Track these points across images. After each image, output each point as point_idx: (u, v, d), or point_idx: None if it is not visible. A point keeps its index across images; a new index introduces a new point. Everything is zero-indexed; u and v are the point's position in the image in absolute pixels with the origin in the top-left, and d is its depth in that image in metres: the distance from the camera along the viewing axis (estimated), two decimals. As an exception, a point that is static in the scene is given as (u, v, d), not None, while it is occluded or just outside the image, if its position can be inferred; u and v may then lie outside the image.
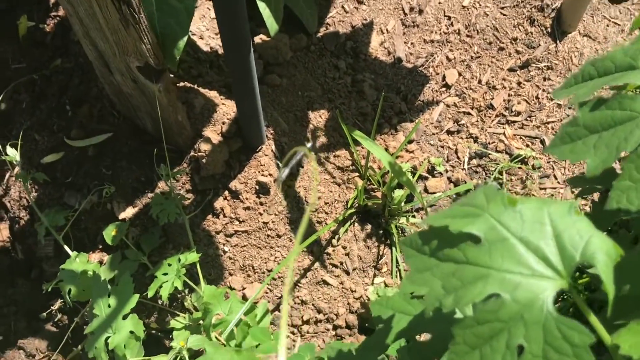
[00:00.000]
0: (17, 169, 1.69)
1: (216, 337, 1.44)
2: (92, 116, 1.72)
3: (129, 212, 1.66)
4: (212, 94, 1.70)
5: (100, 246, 1.69)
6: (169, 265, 1.50)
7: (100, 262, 1.66)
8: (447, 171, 1.94)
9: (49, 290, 1.54)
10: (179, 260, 1.50)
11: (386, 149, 1.93)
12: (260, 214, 1.68)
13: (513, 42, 2.04)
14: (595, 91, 0.73)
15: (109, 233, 1.59)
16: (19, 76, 1.80)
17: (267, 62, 1.87)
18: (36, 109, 1.76)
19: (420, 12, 2.10)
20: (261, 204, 1.68)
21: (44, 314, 1.70)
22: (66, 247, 1.58)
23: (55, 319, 1.73)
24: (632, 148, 0.65)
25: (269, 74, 1.85)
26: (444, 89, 2.03)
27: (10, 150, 1.51)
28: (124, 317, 1.39)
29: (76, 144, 1.71)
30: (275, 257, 1.70)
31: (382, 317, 0.96)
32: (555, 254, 0.62)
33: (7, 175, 1.77)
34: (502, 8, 2.07)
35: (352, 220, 1.81)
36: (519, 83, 2.01)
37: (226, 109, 1.68)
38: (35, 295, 1.74)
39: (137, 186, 1.68)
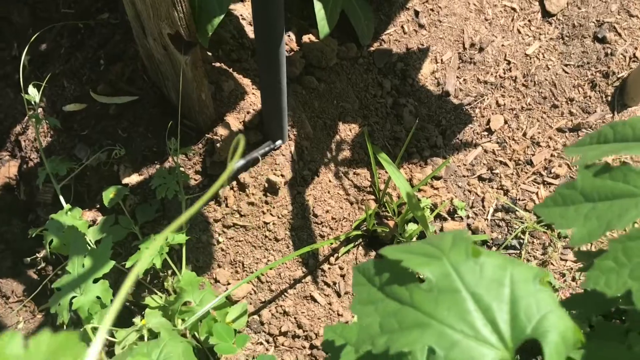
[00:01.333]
0: (39, 110, 1.69)
1: (181, 325, 1.40)
2: (122, 75, 1.72)
3: (132, 179, 1.65)
4: (245, 81, 1.68)
5: (98, 206, 1.67)
6: (155, 240, 1.47)
7: (93, 222, 1.65)
8: (468, 217, 1.87)
9: (33, 236, 1.53)
10: (166, 238, 1.47)
11: (410, 180, 1.87)
12: (263, 213, 1.64)
13: (569, 102, 1.95)
14: (606, 156, 0.66)
15: (108, 194, 1.58)
16: (66, 21, 1.81)
17: (310, 63, 1.84)
18: (72, 56, 1.77)
19: (481, 49, 2.03)
20: (266, 202, 1.64)
21: (29, 259, 1.70)
22: (62, 198, 1.57)
23: (39, 267, 1.72)
24: (623, 227, 0.58)
25: (307, 75, 1.82)
26: (486, 133, 1.96)
27: (31, 90, 1.51)
28: (95, 281, 1.36)
29: (101, 99, 1.70)
30: (268, 260, 1.66)
31: (334, 344, 0.90)
32: (506, 321, 0.56)
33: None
34: (566, 65, 1.99)
35: (356, 243, 1.76)
36: (564, 145, 1.92)
37: (254, 100, 1.65)
38: (25, 239, 1.74)
39: (147, 155, 1.66)
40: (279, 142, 1.57)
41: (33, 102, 1.53)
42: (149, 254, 0.45)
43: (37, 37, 1.77)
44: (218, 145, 1.58)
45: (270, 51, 1.29)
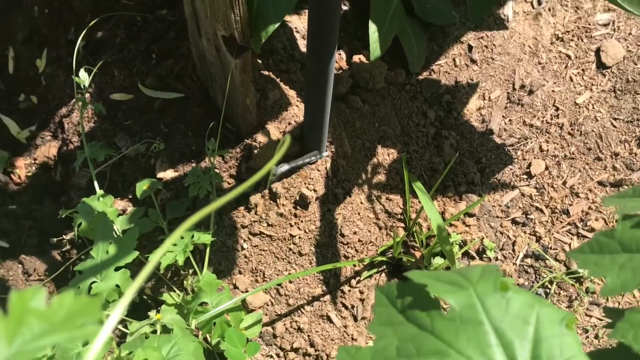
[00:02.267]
0: (86, 95, 1.73)
1: (195, 326, 1.40)
2: (172, 72, 1.75)
3: (167, 174, 1.67)
4: (290, 93, 1.70)
5: (130, 196, 1.70)
6: (182, 237, 1.49)
7: (123, 211, 1.67)
8: (496, 259, 1.85)
9: (63, 217, 1.55)
10: (192, 236, 1.49)
11: (442, 213, 1.86)
12: (291, 225, 1.65)
13: (613, 156, 1.92)
14: (648, 210, 0.65)
15: (141, 186, 1.60)
16: (125, 12, 1.86)
17: (357, 83, 1.85)
18: (126, 47, 1.81)
19: (530, 92, 2.02)
20: (295, 215, 1.64)
21: (55, 239, 1.72)
22: (96, 183, 1.60)
23: (64, 249, 1.75)
24: (660, 281, 0.57)
25: (353, 95, 1.83)
26: (525, 176, 1.94)
27: (82, 74, 1.55)
28: (117, 269, 1.38)
29: (147, 92, 1.74)
30: (289, 273, 1.66)
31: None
32: (526, 360, 0.55)
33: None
34: (615, 119, 1.96)
35: (380, 269, 1.75)
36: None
37: (297, 112, 1.67)
38: (55, 220, 1.77)
39: (185, 152, 1.68)
40: (325, 153, 1.58)
41: (82, 86, 1.57)
42: (169, 242, 0.46)
43: (94, 24, 1.82)
44: (256, 151, 1.59)
45: (320, 66, 1.30)
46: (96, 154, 1.62)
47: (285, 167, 1.50)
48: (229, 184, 1.64)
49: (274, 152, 1.58)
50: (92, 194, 1.61)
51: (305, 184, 1.65)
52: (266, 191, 1.64)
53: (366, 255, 1.73)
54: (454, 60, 2.05)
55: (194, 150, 1.69)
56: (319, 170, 1.66)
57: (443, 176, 1.76)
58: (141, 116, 1.73)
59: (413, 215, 1.81)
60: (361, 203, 1.75)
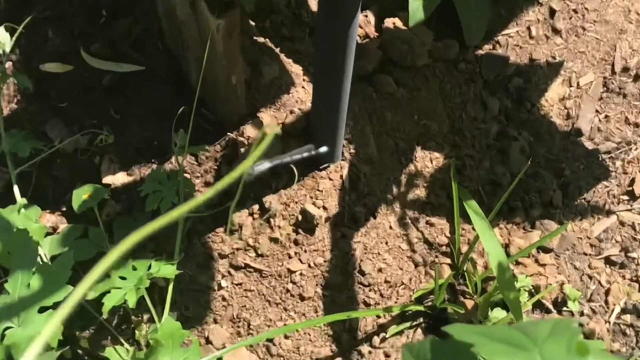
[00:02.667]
0: (7, 64, 1.74)
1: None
2: (129, 35, 1.76)
3: (117, 178, 1.68)
4: (295, 68, 1.71)
5: (64, 208, 1.72)
6: (134, 269, 1.50)
7: (54, 229, 1.68)
8: (582, 313, 1.84)
9: (-31, 233, 1.56)
10: (149, 267, 1.49)
11: (506, 246, 1.86)
12: (289, 256, 1.65)
13: None
14: None
15: (80, 195, 1.61)
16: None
17: (389, 58, 1.86)
18: (66, -2, 1.83)
19: (637, 78, 2.01)
20: (296, 242, 1.65)
21: (-44, 266, 1.73)
22: (16, 188, 1.61)
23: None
24: None
25: (383, 74, 1.84)
26: (626, 197, 1.94)
27: (1, 34, 1.56)
28: (41, 310, 1.38)
29: (93, 62, 1.75)
30: (285, 324, 1.66)
31: None
32: None
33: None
34: None
35: (414, 323, 1.75)
36: None
37: (304, 96, 1.68)
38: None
39: (143, 149, 1.70)
40: (323, 149, 1.58)
41: (1, 51, 1.58)
42: (99, 271, 0.46)
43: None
44: (242, 150, 1.60)
45: (337, 32, 1.30)
46: (18, 147, 1.62)
47: (265, 165, 1.49)
48: (201, 193, 1.64)
49: (269, 153, 1.59)
50: (10, 204, 1.62)
51: (311, 198, 1.65)
52: (255, 207, 1.65)
53: (395, 302, 1.73)
54: (528, 29, 2.05)
55: (156, 146, 1.70)
56: (331, 180, 1.66)
57: (508, 193, 1.76)
58: (83, 96, 1.74)
59: (464, 248, 1.81)
60: (390, 228, 1.75)
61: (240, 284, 1.66)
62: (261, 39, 1.72)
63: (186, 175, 1.66)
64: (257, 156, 0.51)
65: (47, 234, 1.60)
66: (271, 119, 1.63)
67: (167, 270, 1.50)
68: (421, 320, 1.76)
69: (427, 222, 1.82)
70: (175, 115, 1.63)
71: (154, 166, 1.69)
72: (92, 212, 1.61)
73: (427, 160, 1.85)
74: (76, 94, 1.76)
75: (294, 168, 1.56)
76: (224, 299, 1.66)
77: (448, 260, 1.82)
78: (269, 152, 1.61)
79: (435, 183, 1.85)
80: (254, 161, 0.52)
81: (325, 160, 1.66)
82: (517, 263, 1.86)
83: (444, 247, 1.82)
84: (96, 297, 1.45)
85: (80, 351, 1.65)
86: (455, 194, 1.73)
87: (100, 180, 1.68)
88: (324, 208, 1.65)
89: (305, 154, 1.59)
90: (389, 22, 1.89)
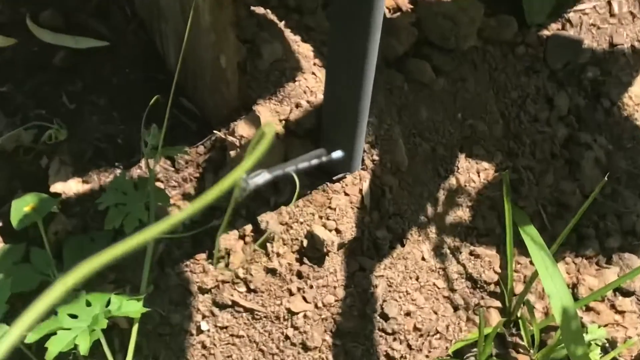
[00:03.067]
0: None
1: None
2: (89, 1, 1.79)
3: (70, 187, 1.70)
4: (303, 49, 1.72)
5: (0, 222, 1.73)
6: (88, 304, 1.51)
7: (-15, 250, 1.70)
8: (671, 378, 1.86)
9: None
10: (108, 303, 1.51)
11: (573, 286, 1.85)
12: (291, 293, 1.66)
13: None
14: None
15: (21, 206, 1.60)
16: None
17: (427, 37, 1.88)
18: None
19: None
20: (299, 275, 1.67)
21: None
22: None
23: None
24: None
25: (418, 58, 1.85)
26: None
27: None
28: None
29: (42, 35, 1.77)
30: (283, 382, 1.68)
31: None
32: None
33: None
34: None
35: (452, 384, 1.76)
36: None
37: (314, 85, 1.69)
38: None
39: (104, 148, 1.72)
40: (338, 154, 1.59)
41: None
42: (48, 300, 0.49)
43: None
44: (233, 153, 1.61)
45: (358, 3, 1.32)
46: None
47: (264, 177, 1.47)
48: (181, 210, 1.68)
49: (267, 158, 1.61)
50: None
51: (321, 217, 1.67)
52: (248, 227, 1.67)
53: (427, 356, 1.73)
54: (609, 4, 2.06)
55: (121, 146, 1.72)
56: (347, 195, 1.68)
57: (577, 217, 1.76)
58: (29, 79, 1.77)
59: (518, 288, 1.82)
60: (423, 259, 1.77)
61: (226, 328, 1.66)
62: (261, 10, 1.73)
63: (159, 184, 1.68)
64: (252, 162, 0.54)
65: (-24, 257, 1.63)
66: (271, 114, 1.64)
67: (131, 307, 1.50)
68: (461, 381, 1.77)
69: (470, 253, 1.83)
70: (147, 106, 1.65)
71: (118, 172, 1.70)
72: (36, 229, 1.61)
73: (472, 172, 1.87)
74: (20, 75, 1.77)
75: (296, 178, 1.56)
76: (204, 346, 1.67)
77: (497, 304, 1.82)
78: (267, 158, 1.64)
79: (483, 202, 1.86)
80: (247, 169, 0.55)
81: (340, 169, 1.67)
82: (588, 309, 1.86)
83: (492, 286, 1.83)
84: (38, 340, 1.44)
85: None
86: (508, 217, 1.74)
87: (48, 188, 1.69)
88: (337, 231, 1.66)
89: (315, 161, 1.58)
90: (428, -10, 1.90)
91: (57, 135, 1.70)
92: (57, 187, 1.71)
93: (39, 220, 1.61)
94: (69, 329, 1.47)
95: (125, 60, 1.76)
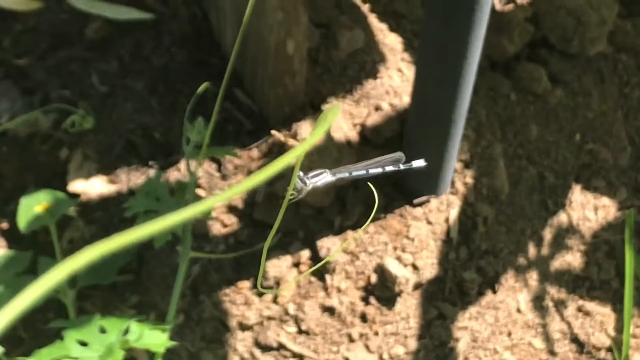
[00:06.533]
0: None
1: None
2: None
3: (92, 186, 1.68)
4: (390, 40, 1.70)
5: (4, 223, 1.72)
6: (102, 331, 1.46)
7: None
8: None
9: None
10: (126, 332, 1.45)
11: None
12: (351, 339, 1.63)
13: None
14: None
15: (30, 205, 1.59)
16: None
17: (544, 37, 1.84)
18: None
19: None
20: (364, 318, 1.63)
21: None
22: None
23: None
24: None
25: (532, 62, 1.82)
26: None
27: None
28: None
29: (76, 1, 1.73)
30: None
31: None
32: None
33: None
34: None
35: None
36: None
37: (400, 85, 1.67)
38: None
39: (138, 143, 1.71)
40: (419, 163, 1.53)
41: None
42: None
43: None
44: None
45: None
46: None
47: (325, 177, 1.42)
48: (223, 225, 1.62)
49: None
50: None
51: (395, 249, 1.63)
52: (305, 252, 1.61)
53: None
54: None
55: (158, 141, 1.71)
56: (430, 223, 1.65)
57: None
58: (54, 51, 1.75)
59: (635, 358, 1.75)
60: (518, 311, 1.72)
61: None
62: (344, -11, 1.70)
63: (200, 191, 1.65)
64: (313, 142, 0.46)
65: (-28, 263, 1.59)
66: (343, 116, 1.60)
67: (154, 338, 1.47)
68: None
69: (579, 309, 1.77)
70: (193, 95, 1.60)
71: (152, 172, 1.68)
72: (47, 234, 1.60)
73: (589, 209, 1.82)
74: (43, 47, 1.76)
75: (375, 190, 1.50)
76: (240, 395, 1.63)
77: None
78: (333, 167, 1.57)
79: (599, 247, 1.81)
80: (306, 151, 0.47)
81: (424, 190, 1.65)
82: None
83: (602, 352, 1.77)
84: None
85: None
86: (629, 269, 1.66)
87: (66, 186, 1.68)
88: (415, 267, 1.63)
89: (390, 168, 1.53)
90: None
91: (82, 123, 1.66)
92: (76, 186, 1.69)
93: (51, 224, 1.59)
94: (76, 359, 1.43)
95: (171, 38, 1.75)
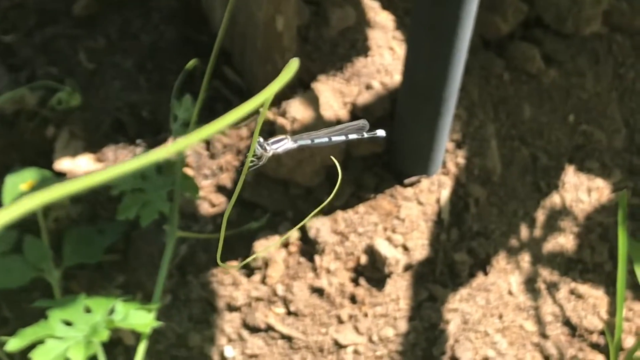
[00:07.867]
0: None
1: None
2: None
3: (79, 165, 1.70)
4: (381, 18, 1.72)
5: None
6: (87, 310, 1.48)
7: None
8: None
9: None
10: (111, 311, 1.48)
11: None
12: (340, 320, 1.65)
13: None
14: None
15: (16, 183, 1.61)
16: None
17: (537, 15, 1.85)
18: None
19: None
20: (352, 299, 1.65)
21: None
22: None
23: None
24: None
25: (525, 41, 1.84)
26: None
27: None
28: None
29: None
30: None
31: None
32: None
33: None
34: None
35: None
36: None
37: (391, 63, 1.69)
38: None
39: (126, 121, 1.72)
40: (381, 132, 1.55)
41: None
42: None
43: None
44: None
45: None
46: None
47: (286, 144, 1.41)
48: (211, 205, 1.64)
49: (328, 149, 1.57)
50: None
51: (385, 229, 1.65)
52: (294, 234, 1.64)
53: None
54: None
55: (146, 119, 1.72)
56: (421, 204, 1.66)
57: None
58: (41, 28, 1.77)
59: (628, 341, 1.79)
60: (510, 293, 1.74)
61: (256, 357, 1.65)
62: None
63: (188, 170, 1.67)
64: (270, 95, 0.48)
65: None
66: (333, 94, 1.62)
67: (140, 318, 1.49)
68: None
69: (571, 292, 1.79)
70: (181, 71, 1.63)
71: (139, 150, 1.69)
72: (32, 214, 1.61)
73: (582, 191, 1.83)
74: (30, 23, 1.77)
75: (337, 163, 1.53)
76: (226, 376, 1.65)
77: (600, 358, 1.78)
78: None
79: (593, 229, 1.83)
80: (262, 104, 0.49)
81: (415, 170, 1.66)
82: None
83: (594, 336, 1.79)
84: (21, 349, 1.44)
85: None
86: (622, 251, 1.67)
87: (52, 164, 1.69)
88: (405, 248, 1.64)
89: (353, 136, 1.51)
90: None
91: (69, 100, 1.68)
92: (63, 164, 1.71)
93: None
94: (60, 338, 1.45)
95: (160, 15, 1.76)
